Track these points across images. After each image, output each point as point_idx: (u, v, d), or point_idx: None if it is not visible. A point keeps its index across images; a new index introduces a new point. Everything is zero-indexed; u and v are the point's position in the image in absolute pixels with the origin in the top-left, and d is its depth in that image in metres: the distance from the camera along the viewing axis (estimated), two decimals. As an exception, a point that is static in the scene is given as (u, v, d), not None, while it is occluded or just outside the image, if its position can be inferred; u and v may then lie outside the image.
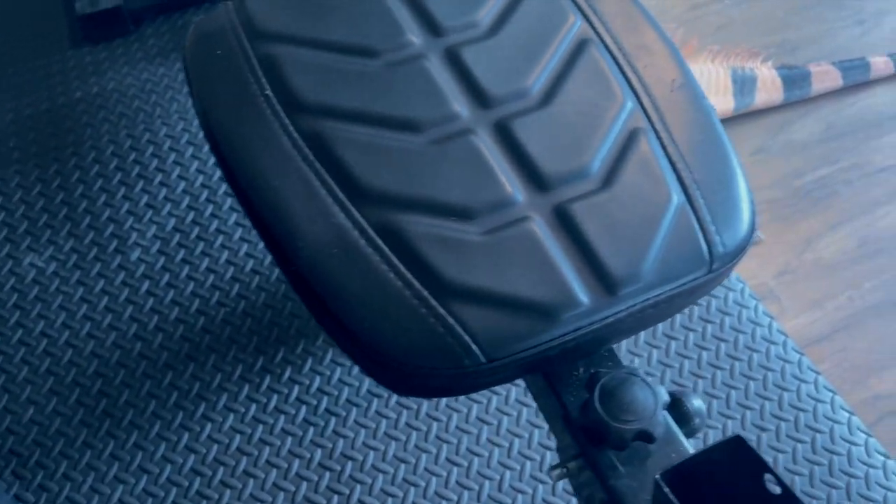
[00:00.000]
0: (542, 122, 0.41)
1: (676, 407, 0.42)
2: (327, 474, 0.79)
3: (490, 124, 0.41)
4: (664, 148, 0.40)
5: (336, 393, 0.84)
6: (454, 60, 0.44)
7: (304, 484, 0.78)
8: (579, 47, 0.45)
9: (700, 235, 0.37)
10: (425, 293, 0.36)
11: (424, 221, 0.37)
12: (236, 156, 0.42)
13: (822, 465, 0.79)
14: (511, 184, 0.39)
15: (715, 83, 1.04)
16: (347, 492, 0.78)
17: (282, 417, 0.82)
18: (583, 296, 0.36)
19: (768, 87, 1.08)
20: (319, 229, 0.38)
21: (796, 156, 1.06)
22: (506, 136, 0.41)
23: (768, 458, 0.79)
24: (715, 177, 0.39)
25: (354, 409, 0.83)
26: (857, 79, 1.12)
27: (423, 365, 0.35)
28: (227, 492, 0.78)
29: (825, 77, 1.10)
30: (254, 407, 0.82)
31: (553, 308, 0.35)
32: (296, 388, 0.84)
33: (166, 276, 0.90)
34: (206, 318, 0.88)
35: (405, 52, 0.45)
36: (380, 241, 0.37)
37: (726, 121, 1.07)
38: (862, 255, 0.96)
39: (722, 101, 1.05)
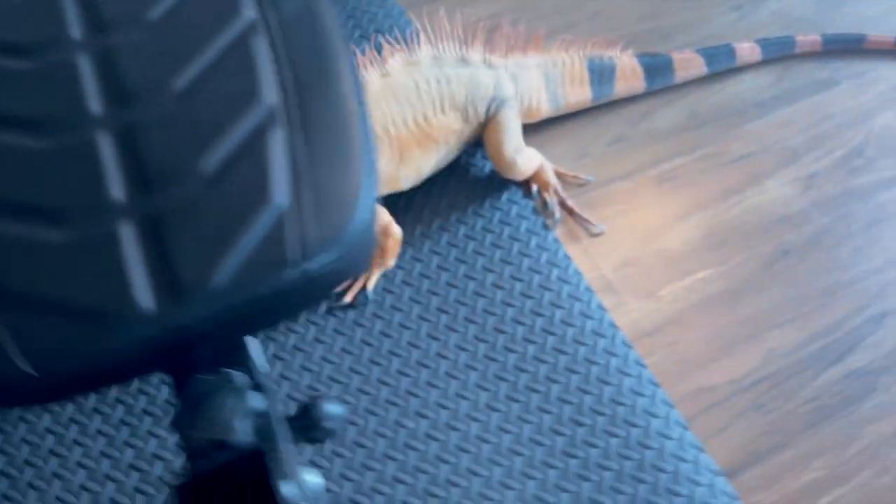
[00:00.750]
0: (170, 120, 0.40)
1: (305, 414, 0.40)
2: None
3: (118, 123, 0.40)
4: (290, 149, 0.38)
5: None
6: (106, 57, 0.43)
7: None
8: (239, 41, 0.44)
9: (295, 237, 0.36)
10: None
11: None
12: None
13: (633, 459, 0.78)
14: (117, 185, 0.37)
15: (570, 73, 1.02)
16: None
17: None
18: (146, 303, 0.35)
19: (628, 76, 1.06)
20: None
21: (656, 145, 1.05)
22: (129, 135, 0.39)
23: (581, 454, 0.78)
24: (336, 182, 0.38)
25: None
26: (723, 65, 1.10)
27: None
28: None
29: (688, 64, 1.08)
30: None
31: (109, 316, 0.34)
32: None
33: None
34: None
35: (56, 47, 0.43)
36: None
37: (586, 111, 1.06)
38: (707, 245, 0.94)
39: (579, 91, 1.03)
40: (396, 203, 0.97)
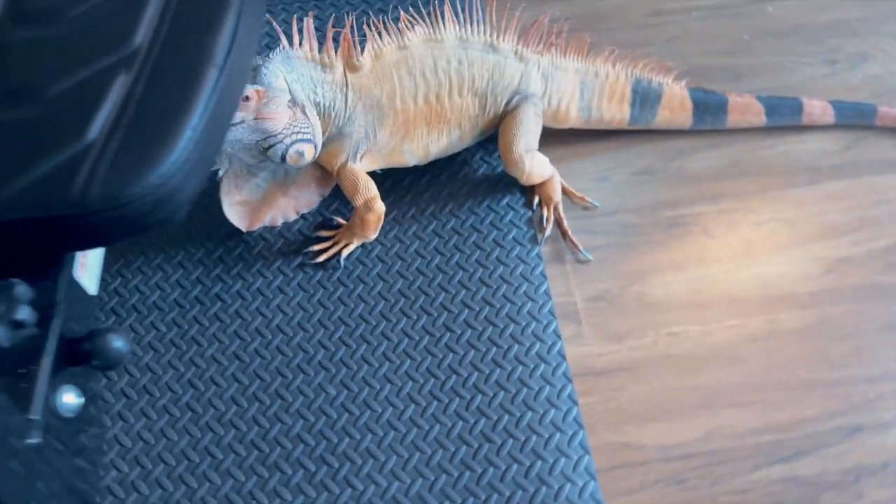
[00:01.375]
0: (49, 43, 0.43)
1: (90, 340, 0.43)
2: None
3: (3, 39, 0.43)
4: (127, 94, 0.40)
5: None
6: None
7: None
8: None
9: (85, 176, 0.38)
10: None
11: None
12: None
13: (527, 491, 0.76)
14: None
15: (611, 87, 0.97)
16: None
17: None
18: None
19: (675, 107, 0.99)
20: None
21: (682, 186, 0.98)
22: (9, 48, 0.43)
23: (478, 469, 0.77)
24: (152, 137, 0.39)
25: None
26: (785, 120, 1.01)
27: None
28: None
29: (745, 109, 1.00)
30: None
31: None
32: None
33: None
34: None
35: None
36: None
37: (620, 133, 1.01)
38: (688, 302, 0.88)
39: (616, 108, 0.98)
40: (401, 181, 0.97)
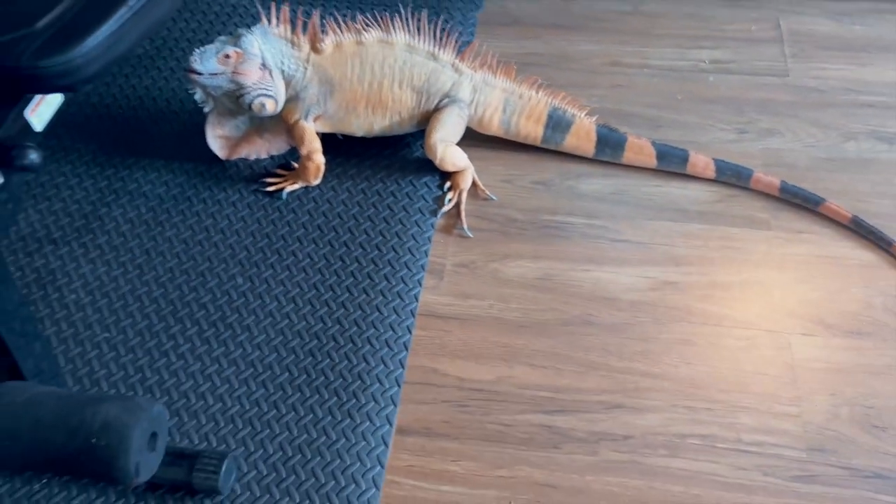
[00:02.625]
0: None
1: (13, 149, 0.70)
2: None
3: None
4: (71, 7, 0.68)
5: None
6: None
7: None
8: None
9: (25, 47, 0.65)
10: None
11: None
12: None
13: (346, 381, 0.99)
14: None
15: (531, 108, 1.19)
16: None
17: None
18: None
19: (581, 136, 1.20)
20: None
21: (566, 200, 1.18)
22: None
23: (321, 358, 1.01)
24: (75, 33, 0.67)
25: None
26: (672, 166, 1.19)
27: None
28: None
29: (640, 150, 1.19)
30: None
31: None
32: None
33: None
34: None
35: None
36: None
37: (534, 147, 1.22)
38: (535, 285, 1.08)
39: (532, 127, 1.20)
40: (353, 148, 1.23)
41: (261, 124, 1.21)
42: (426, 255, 1.13)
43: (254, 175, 1.23)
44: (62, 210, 1.19)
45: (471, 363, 1.02)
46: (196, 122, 1.28)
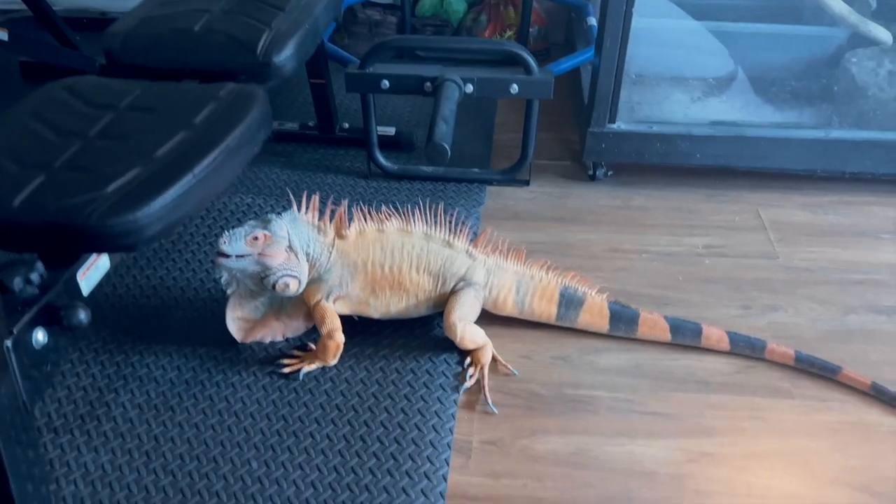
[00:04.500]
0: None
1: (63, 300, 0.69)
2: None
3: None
4: (137, 176, 0.72)
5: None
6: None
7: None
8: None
9: (94, 208, 0.68)
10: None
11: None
12: None
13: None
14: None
15: (542, 288, 1.23)
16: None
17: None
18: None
19: (594, 313, 1.23)
20: None
21: (588, 374, 1.18)
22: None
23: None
24: (139, 199, 0.70)
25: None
26: (687, 340, 1.21)
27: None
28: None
29: (654, 325, 1.22)
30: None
31: None
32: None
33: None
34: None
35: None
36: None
37: (548, 326, 1.24)
38: (563, 462, 1.03)
39: (546, 306, 1.23)
40: (370, 328, 1.24)
41: (280, 307, 1.22)
42: (451, 433, 1.08)
43: (269, 357, 1.21)
44: (66, 398, 1.14)
45: (510, 546, 0.94)
46: (211, 309, 1.29)
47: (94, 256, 0.76)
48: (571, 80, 1.90)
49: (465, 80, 1.49)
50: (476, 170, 1.67)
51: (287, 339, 1.24)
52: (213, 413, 1.12)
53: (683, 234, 1.50)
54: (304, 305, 1.21)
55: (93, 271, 0.78)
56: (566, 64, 1.65)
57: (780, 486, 1.01)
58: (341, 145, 1.79)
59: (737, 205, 1.59)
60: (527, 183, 1.65)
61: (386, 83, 1.52)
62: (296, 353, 1.22)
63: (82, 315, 0.70)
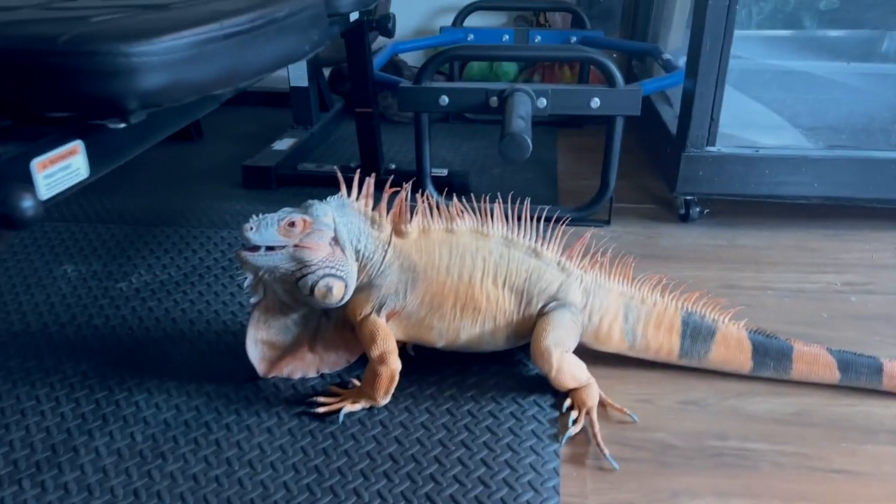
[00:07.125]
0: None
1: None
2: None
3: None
4: None
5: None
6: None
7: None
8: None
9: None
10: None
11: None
12: None
13: None
14: None
15: (658, 315, 0.92)
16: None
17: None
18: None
19: (731, 345, 0.92)
20: None
21: (734, 422, 0.85)
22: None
23: None
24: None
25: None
26: (862, 380, 0.89)
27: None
28: None
29: (814, 360, 0.90)
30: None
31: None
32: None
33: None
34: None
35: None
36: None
37: (665, 365, 0.93)
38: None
39: (665, 337, 0.92)
40: (431, 361, 0.94)
41: (315, 331, 0.93)
42: (557, 493, 0.75)
43: (297, 396, 0.90)
44: (20, 441, 0.83)
45: None
46: (225, 342, 1.00)
47: (64, 146, 0.50)
48: (640, 124, 1.67)
49: (538, 94, 1.28)
50: (546, 206, 1.41)
51: (322, 376, 0.94)
52: (219, 462, 0.80)
53: (812, 271, 1.21)
54: (345, 331, 0.92)
55: (60, 168, 0.51)
56: (653, 84, 1.44)
57: None
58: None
59: (868, 243, 1.31)
60: (607, 223, 1.39)
61: (445, 99, 1.31)
62: (333, 389, 0.91)
63: (26, 203, 0.43)
